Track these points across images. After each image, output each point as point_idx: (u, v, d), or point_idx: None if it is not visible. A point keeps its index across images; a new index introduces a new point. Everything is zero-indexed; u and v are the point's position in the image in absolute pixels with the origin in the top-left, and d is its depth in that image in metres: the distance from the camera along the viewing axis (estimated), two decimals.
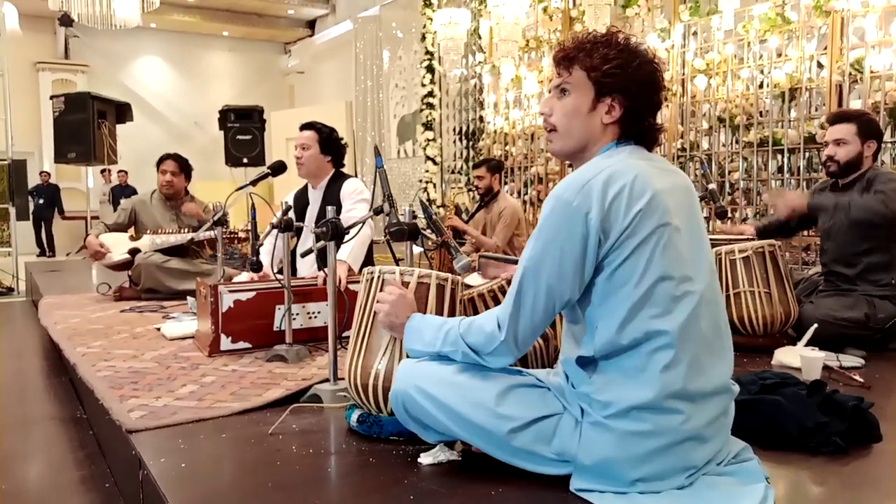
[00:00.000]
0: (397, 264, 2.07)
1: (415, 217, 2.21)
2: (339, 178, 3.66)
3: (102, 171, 12.02)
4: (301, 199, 3.73)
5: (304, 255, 3.45)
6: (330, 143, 3.63)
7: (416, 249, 2.31)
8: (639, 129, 1.53)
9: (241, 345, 2.90)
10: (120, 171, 12.02)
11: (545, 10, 6.74)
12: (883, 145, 4.44)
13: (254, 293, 2.93)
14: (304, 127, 3.66)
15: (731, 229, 3.63)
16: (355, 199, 3.52)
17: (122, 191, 11.83)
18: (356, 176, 10.65)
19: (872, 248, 2.91)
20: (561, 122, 1.54)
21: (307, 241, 3.56)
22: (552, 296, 1.44)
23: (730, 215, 5.33)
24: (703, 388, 1.43)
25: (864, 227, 2.85)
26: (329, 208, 2.26)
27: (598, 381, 1.44)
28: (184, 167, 4.80)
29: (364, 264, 3.24)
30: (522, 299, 1.46)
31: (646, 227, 1.40)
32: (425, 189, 8.64)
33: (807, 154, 4.94)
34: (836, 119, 3.03)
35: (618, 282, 1.41)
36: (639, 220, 1.39)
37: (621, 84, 1.49)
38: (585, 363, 1.46)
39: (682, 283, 1.42)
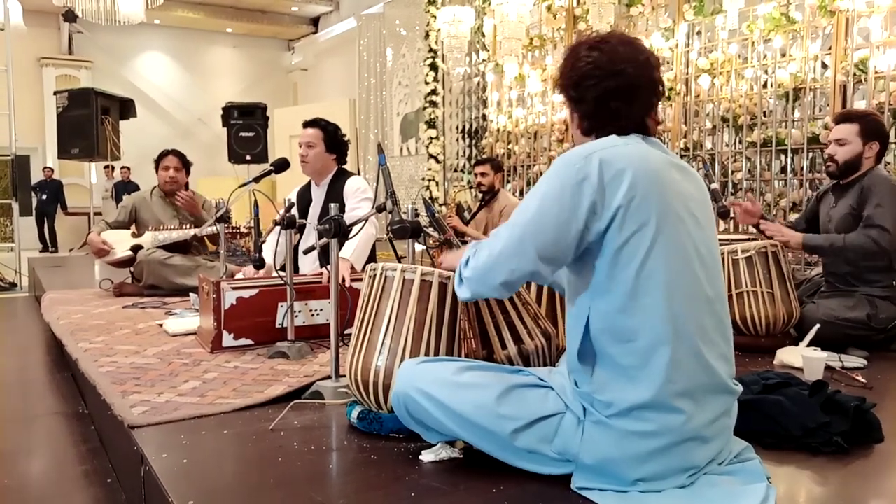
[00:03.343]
0: (399, 262, 2.07)
1: (417, 215, 2.21)
2: (342, 176, 3.65)
3: (105, 167, 12.03)
4: (304, 197, 3.73)
5: (306, 252, 3.44)
6: (335, 140, 3.63)
7: (419, 247, 2.31)
8: (605, 127, 1.51)
9: (244, 341, 2.90)
10: (123, 168, 12.01)
11: (549, 8, 6.73)
12: (889, 146, 4.44)
13: (256, 290, 2.93)
14: (308, 124, 3.64)
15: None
16: (359, 197, 3.51)
17: (124, 187, 11.83)
18: (359, 173, 10.65)
19: None
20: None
21: (310, 238, 3.56)
22: (524, 247, 1.44)
23: (732, 215, 5.32)
24: (706, 386, 1.42)
25: None
26: (332, 205, 2.26)
27: (600, 380, 1.43)
28: (185, 162, 4.80)
29: (367, 262, 3.24)
30: (497, 238, 1.49)
31: (646, 212, 1.38)
32: (428, 187, 8.63)
33: (810, 154, 4.93)
34: (840, 119, 3.03)
35: (618, 266, 1.39)
36: (638, 202, 1.38)
37: (565, 92, 1.56)
38: (585, 357, 1.44)
39: (684, 277, 1.41)
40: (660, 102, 1.56)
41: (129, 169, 12.21)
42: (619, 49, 1.49)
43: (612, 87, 1.48)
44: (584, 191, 1.39)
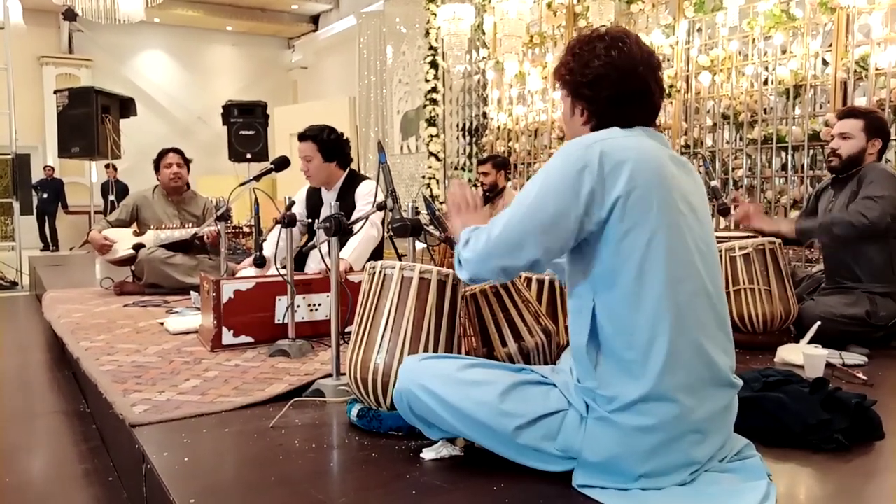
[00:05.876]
0: (400, 260, 2.07)
1: (418, 213, 2.21)
2: (354, 180, 3.64)
3: (106, 166, 11.96)
4: (314, 198, 3.72)
5: (306, 250, 3.45)
6: (329, 148, 3.58)
7: (419, 245, 2.31)
8: (610, 125, 1.49)
9: (244, 339, 2.90)
10: (107, 165, 11.54)
11: (549, 5, 6.73)
12: (889, 143, 4.43)
13: (253, 283, 2.93)
14: (301, 138, 3.60)
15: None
16: (367, 200, 3.50)
17: (113, 186, 11.50)
18: (360, 172, 10.61)
19: (872, 247, 2.90)
20: (564, 127, 1.59)
21: (320, 240, 3.55)
22: (523, 232, 1.44)
23: (732, 212, 5.31)
24: (707, 379, 1.42)
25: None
26: (334, 204, 2.26)
27: (603, 375, 1.43)
28: (185, 160, 4.81)
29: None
30: (497, 222, 1.49)
31: (646, 204, 1.38)
32: (428, 185, 8.62)
33: (811, 151, 4.92)
34: (845, 114, 3.03)
35: (620, 258, 1.39)
36: (638, 194, 1.38)
37: (575, 88, 1.53)
38: (590, 351, 1.44)
39: (685, 270, 1.41)
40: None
41: (115, 168, 11.75)
42: (636, 51, 1.49)
43: (627, 90, 1.48)
44: (585, 178, 1.39)
